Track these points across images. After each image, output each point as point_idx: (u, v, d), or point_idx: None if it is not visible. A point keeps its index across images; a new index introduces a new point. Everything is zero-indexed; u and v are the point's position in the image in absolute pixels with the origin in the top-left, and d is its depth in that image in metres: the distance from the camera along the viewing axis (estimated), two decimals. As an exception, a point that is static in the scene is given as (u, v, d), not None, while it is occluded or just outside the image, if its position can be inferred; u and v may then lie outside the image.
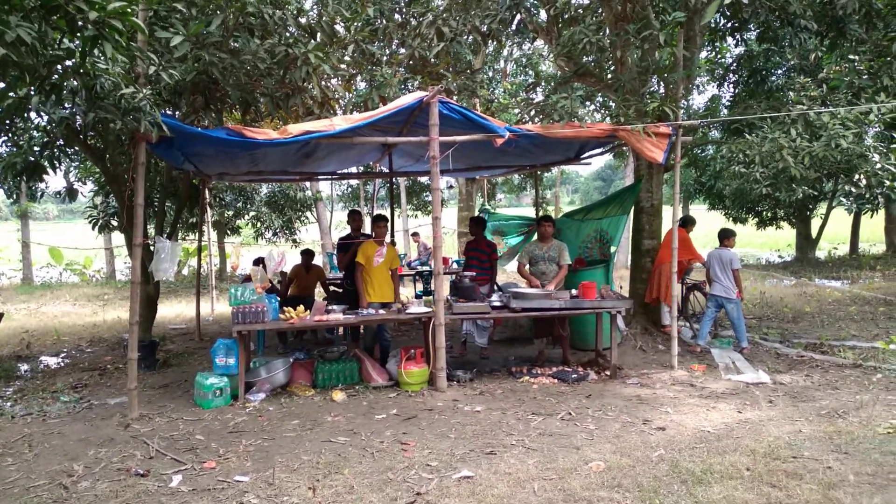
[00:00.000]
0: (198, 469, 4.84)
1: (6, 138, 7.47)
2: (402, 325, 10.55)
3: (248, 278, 9.43)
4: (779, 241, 27.88)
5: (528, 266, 8.03)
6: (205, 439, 5.52)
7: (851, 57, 8.60)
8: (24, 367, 8.59)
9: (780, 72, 13.25)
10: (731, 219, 21.23)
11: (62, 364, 8.82)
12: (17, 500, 4.37)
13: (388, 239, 8.44)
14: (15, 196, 17.20)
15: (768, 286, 15.23)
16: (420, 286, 12.73)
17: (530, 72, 18.63)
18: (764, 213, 20.94)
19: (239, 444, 5.36)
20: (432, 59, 8.80)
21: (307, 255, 9.76)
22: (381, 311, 7.33)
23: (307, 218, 20.44)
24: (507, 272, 16.55)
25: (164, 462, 5.02)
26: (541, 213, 12.87)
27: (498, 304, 7.29)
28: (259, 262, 8.49)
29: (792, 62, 12.24)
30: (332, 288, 9.86)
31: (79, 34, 4.10)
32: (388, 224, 8.22)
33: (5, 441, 5.52)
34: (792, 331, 9.73)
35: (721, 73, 13.36)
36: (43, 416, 6.34)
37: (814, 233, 21.64)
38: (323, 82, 7.61)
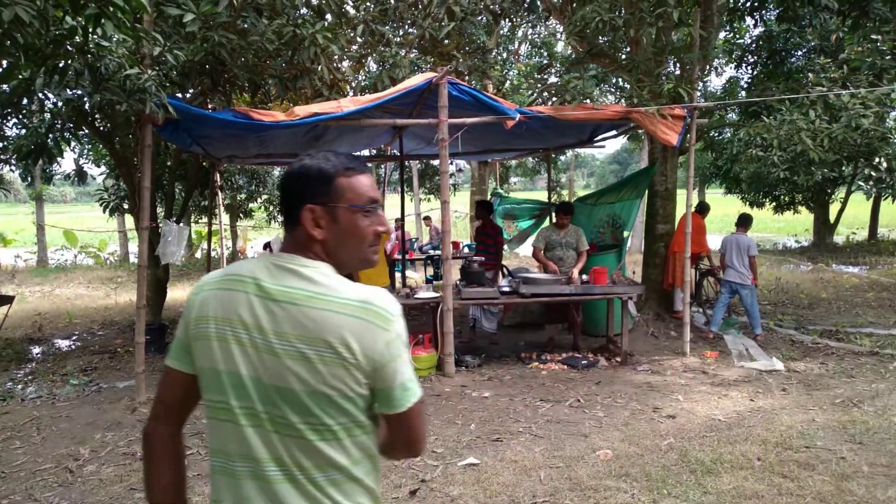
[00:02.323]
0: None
1: (15, 120, 7.46)
2: (412, 309, 10.50)
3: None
4: (796, 225, 27.57)
5: (544, 251, 7.92)
6: (212, 423, 5.51)
7: (874, 37, 8.36)
8: (35, 349, 8.65)
9: (799, 53, 12.96)
10: (748, 203, 20.96)
11: (73, 347, 8.87)
12: (23, 483, 4.39)
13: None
14: (30, 179, 17.26)
15: (784, 272, 15.04)
16: (431, 270, 12.67)
17: (545, 53, 18.39)
18: (781, 197, 20.66)
19: (245, 428, 5.35)
20: (444, 40, 8.67)
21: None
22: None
23: (320, 201, 20.41)
24: (519, 256, 16.47)
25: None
26: (556, 199, 12.74)
27: (507, 289, 7.22)
28: (267, 246, 8.46)
29: (812, 43, 11.95)
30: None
31: (80, 12, 4.03)
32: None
33: (14, 424, 5.55)
34: (807, 317, 9.58)
35: (739, 54, 13.08)
36: (52, 398, 6.37)
37: (832, 217, 21.34)
38: (333, 64, 7.51)
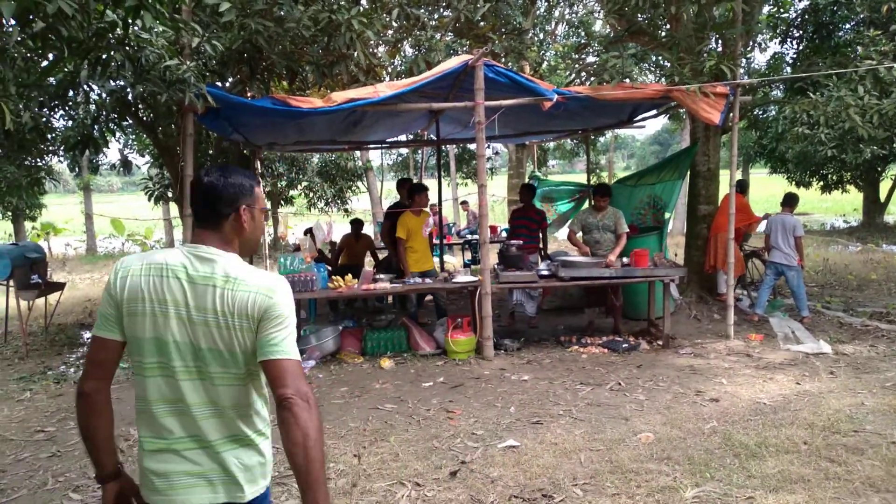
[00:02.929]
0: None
1: (62, 112, 7.66)
2: (450, 293, 10.53)
3: (297, 248, 9.54)
4: (844, 205, 26.78)
5: (580, 234, 7.84)
6: (256, 406, 5.63)
7: (928, 7, 8.01)
8: (86, 334, 8.92)
9: (847, 26, 12.50)
10: (794, 182, 20.44)
11: (123, 331, 9.13)
12: (77, 461, 4.56)
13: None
14: (77, 169, 17.74)
15: (832, 252, 14.64)
16: (469, 255, 12.67)
17: (582, 32, 18.10)
18: (829, 176, 20.09)
19: (288, 410, 5.45)
20: (479, 22, 8.60)
21: (356, 224, 9.80)
22: (428, 280, 7.34)
23: (358, 188, 20.55)
24: (558, 240, 16.35)
25: (217, 427, 5.13)
26: (595, 181, 12.58)
27: (546, 272, 7.17)
28: (308, 232, 8.57)
29: (861, 15, 11.50)
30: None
31: (120, 4, 4.11)
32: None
33: (68, 405, 5.76)
34: (856, 299, 9.32)
35: (784, 28, 12.69)
36: (103, 381, 6.57)
37: (882, 196, 20.66)
38: (369, 49, 7.52)
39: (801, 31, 12.23)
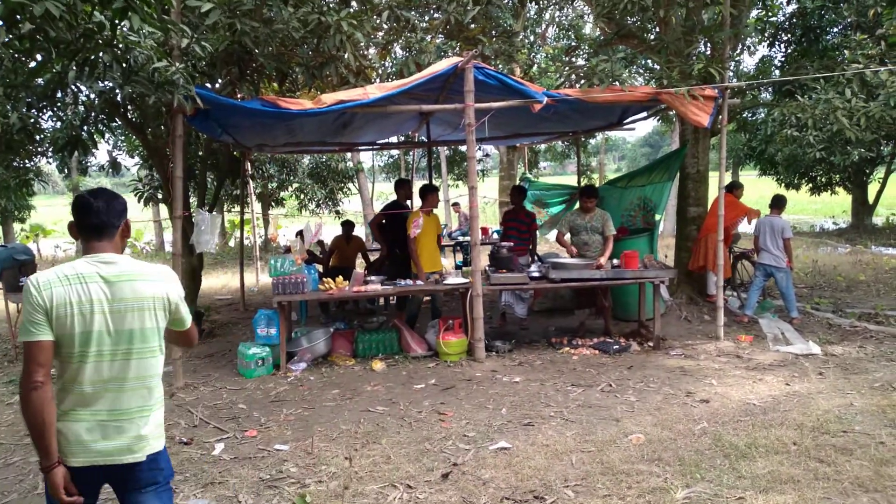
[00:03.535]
0: (239, 438, 4.93)
1: (51, 113, 7.60)
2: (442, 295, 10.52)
3: (288, 249, 9.51)
4: (833, 207, 26.97)
5: (568, 236, 7.86)
6: (247, 408, 5.61)
7: (915, 11, 8.09)
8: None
9: (835, 30, 12.60)
10: (783, 185, 20.55)
11: (112, 334, 9.07)
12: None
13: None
14: (66, 170, 17.62)
15: (821, 254, 14.73)
16: (460, 257, 12.66)
17: (572, 35, 18.16)
18: (818, 178, 20.22)
19: (280, 413, 5.43)
20: (469, 24, 8.61)
21: (348, 226, 9.78)
22: (419, 283, 7.33)
23: (349, 189, 20.52)
24: (550, 242, 16.37)
25: (208, 430, 5.11)
26: (584, 183, 12.61)
27: (537, 274, 7.18)
28: (299, 234, 8.54)
29: (849, 19, 11.59)
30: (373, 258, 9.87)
31: (108, 6, 4.09)
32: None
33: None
34: (845, 300, 9.39)
35: (772, 31, 12.76)
36: (92, 384, 6.53)
37: (871, 198, 20.81)
38: (359, 51, 7.51)
39: (789, 35, 12.31)
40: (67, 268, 2.29)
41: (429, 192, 7.77)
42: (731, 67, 7.60)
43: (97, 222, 2.35)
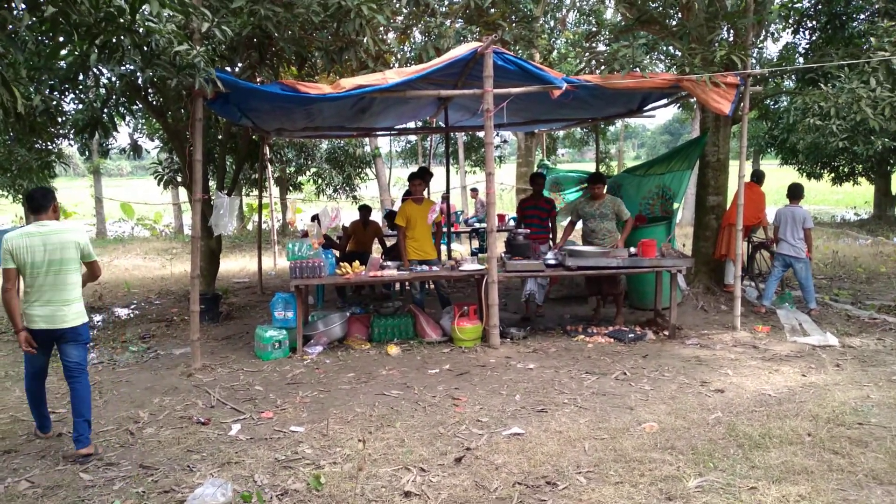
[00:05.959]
0: (256, 419, 4.99)
1: (72, 96, 7.68)
2: (458, 281, 10.55)
3: (305, 234, 9.56)
4: (855, 197, 26.57)
5: (577, 223, 7.83)
6: (263, 390, 5.68)
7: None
8: (96, 317, 9.00)
9: (862, 16, 12.36)
10: (804, 174, 20.27)
11: (132, 315, 9.21)
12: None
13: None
14: (87, 153, 17.81)
15: (842, 245, 14.56)
16: (476, 243, 12.66)
17: (593, 21, 17.97)
18: (840, 168, 19.90)
19: (296, 395, 5.50)
20: (490, 9, 8.55)
21: (364, 211, 9.81)
22: (435, 268, 7.34)
23: (366, 174, 20.55)
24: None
25: (225, 411, 5.19)
26: (604, 171, 12.54)
27: (553, 261, 7.17)
28: (315, 218, 8.58)
29: (876, 6, 11.37)
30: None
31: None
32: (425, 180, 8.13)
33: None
34: (865, 292, 9.29)
35: (796, 18, 12.54)
36: (113, 364, 6.65)
37: (894, 189, 20.48)
38: (378, 35, 7.49)
39: (814, 22, 12.08)
40: (23, 230, 4.31)
41: (411, 180, 7.78)
42: (754, 54, 7.49)
43: (37, 205, 4.33)
